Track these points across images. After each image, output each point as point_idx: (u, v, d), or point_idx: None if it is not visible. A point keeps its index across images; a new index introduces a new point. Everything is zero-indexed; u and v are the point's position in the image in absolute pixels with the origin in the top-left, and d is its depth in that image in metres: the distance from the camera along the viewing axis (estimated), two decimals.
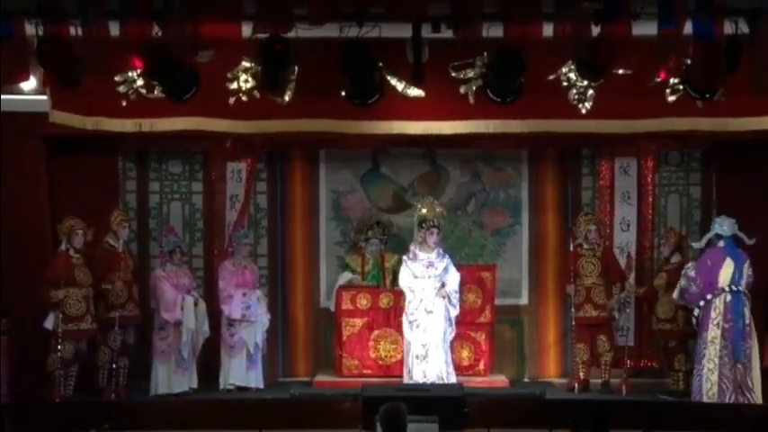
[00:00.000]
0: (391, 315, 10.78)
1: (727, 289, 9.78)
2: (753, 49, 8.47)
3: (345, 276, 11.35)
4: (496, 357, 11.15)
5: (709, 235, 10.11)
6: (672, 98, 9.31)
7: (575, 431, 6.56)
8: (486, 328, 10.93)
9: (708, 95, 8.96)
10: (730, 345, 9.70)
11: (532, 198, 11.81)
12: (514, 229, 11.84)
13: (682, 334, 10.49)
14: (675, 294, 10.18)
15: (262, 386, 10.77)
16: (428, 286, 10.26)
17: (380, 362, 10.78)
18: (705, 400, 9.66)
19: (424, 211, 10.65)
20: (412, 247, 10.45)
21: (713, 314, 9.79)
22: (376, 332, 10.80)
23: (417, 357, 10.16)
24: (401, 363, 10.64)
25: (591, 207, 11.58)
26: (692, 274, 9.94)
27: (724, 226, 9.96)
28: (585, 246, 10.83)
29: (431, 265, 10.31)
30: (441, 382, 10.03)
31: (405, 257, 10.43)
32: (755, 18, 8.47)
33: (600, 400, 9.95)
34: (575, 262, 10.85)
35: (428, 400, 7.87)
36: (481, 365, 10.84)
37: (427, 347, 10.18)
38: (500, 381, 10.76)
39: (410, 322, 10.25)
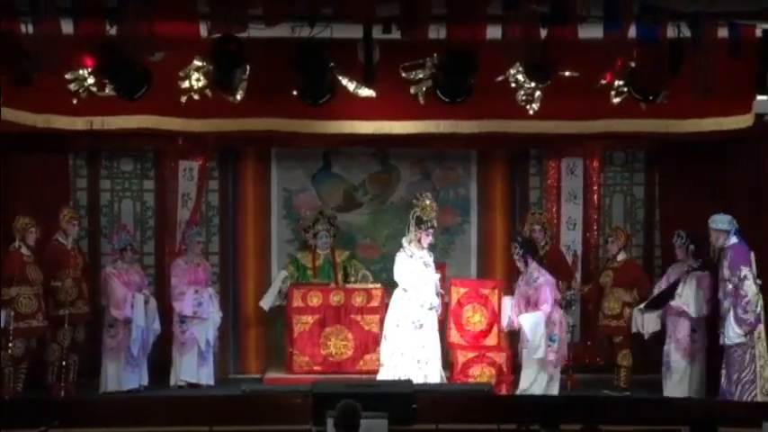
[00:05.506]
0: (342, 312, 10.85)
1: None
2: (695, 52, 8.61)
3: (281, 276, 11.35)
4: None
5: (733, 231, 9.78)
6: (617, 100, 9.39)
7: (522, 426, 6.67)
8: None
9: (652, 98, 9.07)
10: None
11: (481, 197, 11.95)
12: (463, 228, 11.97)
13: (627, 330, 10.68)
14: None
15: (212, 383, 10.82)
16: (430, 283, 10.25)
17: (331, 359, 10.85)
18: (760, 398, 9.49)
19: (425, 210, 10.45)
20: (406, 245, 10.32)
21: None
22: (327, 329, 10.86)
23: (419, 361, 10.04)
24: (352, 360, 10.77)
25: (538, 206, 11.73)
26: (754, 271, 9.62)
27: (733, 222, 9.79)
28: None
29: (426, 264, 10.31)
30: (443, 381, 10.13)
31: (401, 254, 10.27)
32: (697, 22, 8.61)
33: (546, 395, 10.09)
34: None
35: (377, 396, 7.89)
36: None
37: (427, 349, 10.11)
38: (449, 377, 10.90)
39: (412, 322, 10.10)
